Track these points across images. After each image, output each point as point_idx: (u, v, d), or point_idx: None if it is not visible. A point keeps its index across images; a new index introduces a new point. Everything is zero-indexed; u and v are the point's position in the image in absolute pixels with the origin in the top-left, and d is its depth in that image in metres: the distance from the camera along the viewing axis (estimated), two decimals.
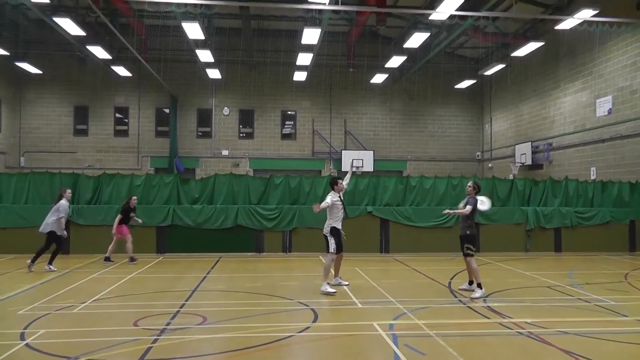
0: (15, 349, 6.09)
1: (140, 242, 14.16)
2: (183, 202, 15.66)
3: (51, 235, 11.77)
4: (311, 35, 19.09)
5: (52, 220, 11.77)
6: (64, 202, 12.00)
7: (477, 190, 9.74)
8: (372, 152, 28.68)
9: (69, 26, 19.08)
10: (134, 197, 13.90)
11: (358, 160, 27.49)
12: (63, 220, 11.85)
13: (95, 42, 21.98)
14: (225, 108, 30.02)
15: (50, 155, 28.91)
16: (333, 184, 9.92)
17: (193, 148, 29.95)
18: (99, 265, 12.72)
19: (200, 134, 30.26)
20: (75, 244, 14.54)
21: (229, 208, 15.43)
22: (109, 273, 11.72)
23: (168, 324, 7.19)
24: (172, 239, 15.10)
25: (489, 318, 7.72)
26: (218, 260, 13.91)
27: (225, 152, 29.88)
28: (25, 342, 6.34)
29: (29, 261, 11.71)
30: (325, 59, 27.63)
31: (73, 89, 29.45)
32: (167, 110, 29.84)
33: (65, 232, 12.04)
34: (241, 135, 30.32)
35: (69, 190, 12.58)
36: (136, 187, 15.43)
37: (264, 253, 15.32)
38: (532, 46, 20.89)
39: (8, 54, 23.93)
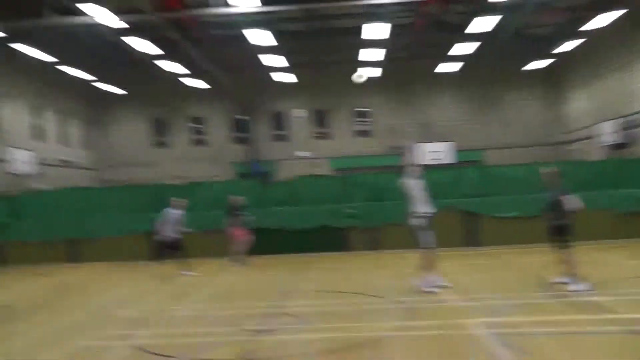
0: (124, 350, 6.59)
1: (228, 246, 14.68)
2: (267, 205, 16.06)
3: (175, 241, 12.27)
4: (376, 30, 18.96)
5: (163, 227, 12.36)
6: (168, 209, 12.54)
7: None
8: (450, 143, 27.86)
9: (143, 45, 20.06)
10: (236, 197, 14.14)
11: (436, 152, 26.98)
12: (166, 226, 12.30)
13: (170, 58, 23.02)
14: (299, 110, 30.47)
15: (135, 168, 30.57)
16: (403, 169, 9.46)
17: (270, 152, 30.63)
18: (196, 269, 13.29)
19: (276, 137, 30.91)
20: None
21: (313, 209, 15.63)
22: (206, 276, 12.27)
23: (266, 324, 7.44)
24: (260, 242, 15.44)
25: (594, 313, 7.35)
26: (307, 261, 14.08)
27: (302, 154, 30.33)
28: (133, 343, 6.81)
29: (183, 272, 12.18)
30: (394, 52, 27.35)
31: (151, 104, 31.07)
32: (242, 117, 30.72)
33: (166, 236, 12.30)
34: (317, 135, 30.67)
35: (179, 200, 12.93)
36: (220, 194, 16.01)
37: (352, 252, 15.29)
38: (611, 16, 19.49)
39: (93, 77, 25.58)
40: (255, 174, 28.64)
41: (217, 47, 26.71)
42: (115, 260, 15.15)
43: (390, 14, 18.95)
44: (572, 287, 8.66)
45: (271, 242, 15.45)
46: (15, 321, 8.60)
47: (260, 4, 16.46)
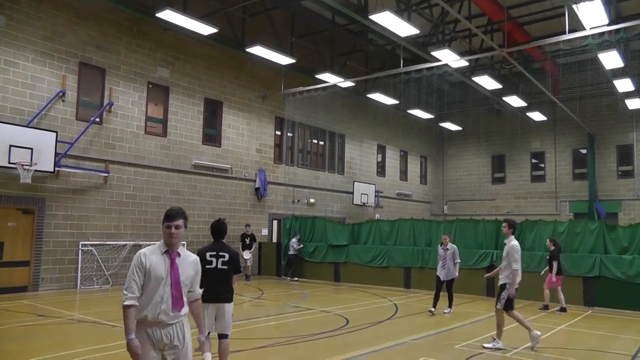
0: None
1: (567, 293, 13.42)
2: (610, 252, 14.13)
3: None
4: None
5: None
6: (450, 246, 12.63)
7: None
8: None
9: (486, 82, 20.42)
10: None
11: None
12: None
13: (510, 92, 22.84)
14: None
15: (470, 203, 31.09)
16: None
17: (614, 190, 27.21)
18: (529, 312, 12.56)
19: (620, 173, 27.28)
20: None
21: None
22: (536, 321, 11.41)
23: None
24: (601, 292, 13.68)
25: None
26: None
27: None
28: None
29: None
30: None
31: (490, 139, 31.23)
32: (583, 151, 28.18)
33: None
34: None
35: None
36: (559, 234, 14.82)
37: None
38: None
39: (433, 116, 27.32)
40: (596, 214, 25.87)
41: (561, 76, 25.29)
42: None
43: None
44: None
45: (615, 294, 13.42)
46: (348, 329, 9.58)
47: (607, 22, 14.85)
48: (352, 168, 27.03)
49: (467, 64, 20.11)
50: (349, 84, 21.35)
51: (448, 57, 18.03)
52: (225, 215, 19.81)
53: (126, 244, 16.72)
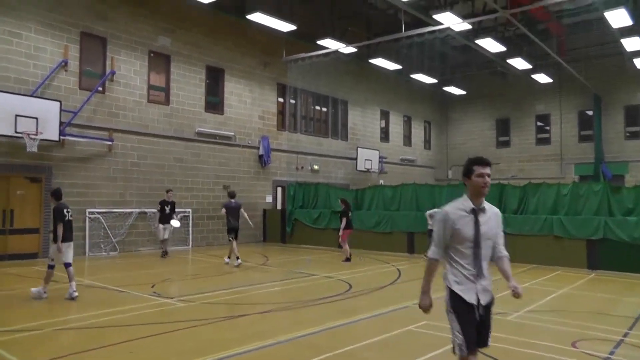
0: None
1: (570, 256, 13.53)
2: (615, 214, 14.12)
3: None
4: None
5: None
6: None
7: None
8: None
9: (489, 45, 20.09)
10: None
11: None
12: None
13: (514, 55, 22.48)
14: None
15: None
16: None
17: (621, 152, 27.06)
18: (531, 275, 12.70)
19: (628, 134, 27.10)
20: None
21: None
22: (538, 285, 11.56)
23: (612, 352, 6.44)
24: (605, 255, 13.72)
25: None
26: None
27: None
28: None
29: None
30: None
31: (495, 103, 30.99)
32: (590, 113, 27.90)
33: None
34: None
35: None
36: (562, 197, 14.85)
37: None
38: None
39: (436, 81, 27.01)
40: (602, 176, 25.78)
41: (567, 37, 24.84)
42: None
43: None
44: None
45: (620, 257, 13.43)
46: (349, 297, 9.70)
47: None
48: (356, 134, 26.91)
49: (470, 27, 19.69)
50: (350, 49, 21.05)
51: (450, 20, 17.70)
52: (230, 182, 19.92)
53: (132, 212, 16.87)
